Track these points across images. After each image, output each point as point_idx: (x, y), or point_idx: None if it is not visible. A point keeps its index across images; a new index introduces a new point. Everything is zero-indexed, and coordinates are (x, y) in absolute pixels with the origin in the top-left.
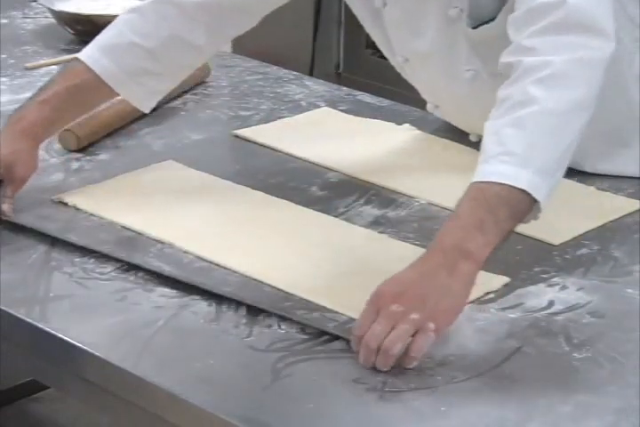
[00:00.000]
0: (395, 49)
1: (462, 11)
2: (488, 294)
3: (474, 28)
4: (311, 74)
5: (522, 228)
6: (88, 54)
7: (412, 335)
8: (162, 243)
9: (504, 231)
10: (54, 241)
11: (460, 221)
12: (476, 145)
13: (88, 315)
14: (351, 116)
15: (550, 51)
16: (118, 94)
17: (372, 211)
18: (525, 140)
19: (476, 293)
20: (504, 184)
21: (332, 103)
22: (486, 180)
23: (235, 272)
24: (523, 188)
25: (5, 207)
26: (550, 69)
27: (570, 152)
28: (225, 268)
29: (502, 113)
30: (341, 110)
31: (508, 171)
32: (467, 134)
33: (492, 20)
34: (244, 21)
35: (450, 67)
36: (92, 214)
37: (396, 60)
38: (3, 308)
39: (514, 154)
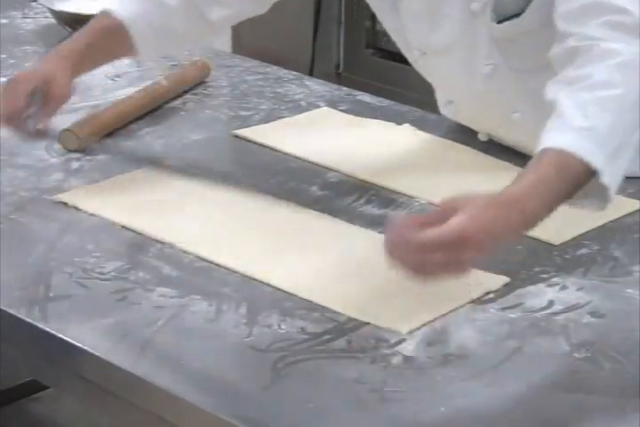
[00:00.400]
0: (411, 42)
1: (486, 5)
2: (488, 293)
3: (498, 22)
4: (311, 74)
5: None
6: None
7: None
8: (162, 243)
9: (560, 204)
10: (54, 241)
11: (548, 190)
12: (480, 145)
13: (88, 315)
14: (351, 116)
15: (619, 40)
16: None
17: (372, 211)
18: (609, 121)
19: (475, 293)
20: (583, 160)
21: (332, 103)
22: (572, 151)
23: (235, 272)
24: (598, 168)
25: (41, 126)
26: (624, 57)
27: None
28: (225, 268)
29: (583, 89)
30: (341, 110)
31: (590, 148)
32: (467, 134)
33: (517, 15)
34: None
35: (468, 61)
36: (92, 214)
37: (411, 54)
38: (3, 308)
39: (598, 134)
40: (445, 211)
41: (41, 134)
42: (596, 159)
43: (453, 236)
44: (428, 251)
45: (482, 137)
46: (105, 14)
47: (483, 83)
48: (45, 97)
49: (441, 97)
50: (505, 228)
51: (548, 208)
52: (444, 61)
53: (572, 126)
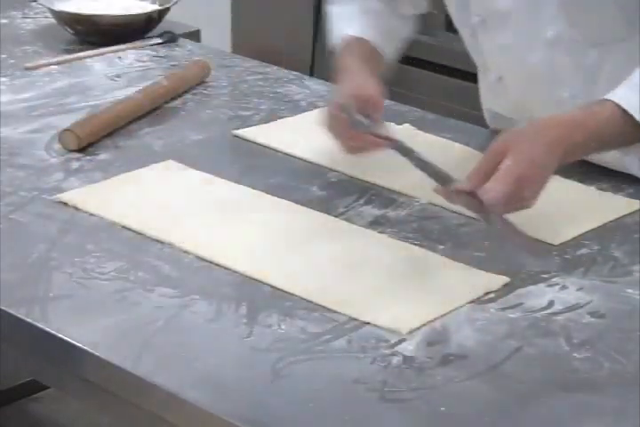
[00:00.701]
0: (472, 8)
1: None
2: (488, 293)
3: None
4: (311, 74)
5: (522, 228)
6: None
7: None
8: (162, 243)
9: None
10: (54, 241)
11: (594, 129)
12: (481, 145)
13: (88, 315)
14: None
15: None
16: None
17: (372, 211)
18: None
19: (475, 293)
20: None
21: None
22: (630, 109)
23: (235, 272)
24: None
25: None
26: None
27: None
28: (225, 268)
29: None
30: None
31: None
32: (467, 134)
33: None
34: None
35: (530, 27)
36: (92, 214)
37: (468, 24)
38: (3, 308)
39: None
40: (496, 154)
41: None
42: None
43: (513, 184)
44: (507, 206)
45: (509, 119)
46: (345, 39)
47: (540, 53)
48: (368, 103)
49: (490, 75)
50: (553, 156)
51: (593, 144)
52: (503, 28)
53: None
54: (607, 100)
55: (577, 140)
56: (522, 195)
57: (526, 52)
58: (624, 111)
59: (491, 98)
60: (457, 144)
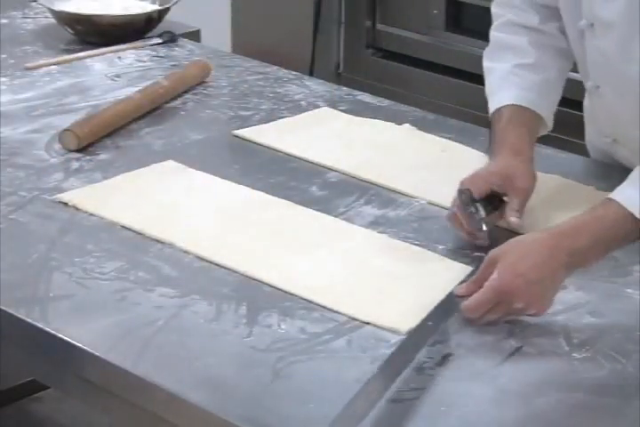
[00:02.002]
0: (583, 10)
1: None
2: None
3: None
4: (311, 74)
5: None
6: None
7: None
8: (162, 243)
9: (615, 248)
10: (54, 241)
11: (599, 231)
12: (481, 145)
13: (88, 315)
14: (351, 116)
15: None
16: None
17: (371, 211)
18: None
19: None
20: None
21: (332, 103)
22: (635, 212)
23: (235, 272)
24: None
25: (513, 220)
26: None
27: None
28: (225, 268)
29: None
30: (341, 110)
31: None
32: (467, 135)
33: None
34: None
35: (631, 39)
36: (92, 214)
37: (577, 26)
38: (3, 308)
39: None
40: (489, 264)
41: (514, 226)
42: None
43: (490, 294)
44: (480, 314)
45: (607, 140)
46: (506, 107)
47: (638, 66)
48: (512, 191)
49: (588, 82)
50: (549, 266)
51: (599, 248)
52: (606, 36)
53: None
54: (612, 200)
55: (581, 245)
56: (509, 306)
57: (625, 63)
58: (629, 213)
59: (589, 109)
60: (457, 144)
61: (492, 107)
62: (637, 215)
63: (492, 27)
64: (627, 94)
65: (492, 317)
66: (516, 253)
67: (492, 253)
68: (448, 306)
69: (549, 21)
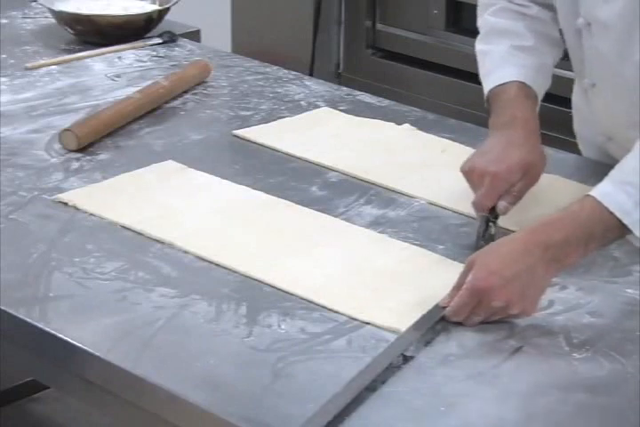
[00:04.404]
0: (581, 10)
1: None
2: None
3: None
4: (311, 74)
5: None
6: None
7: None
8: (162, 243)
9: (596, 250)
10: (54, 241)
11: (574, 226)
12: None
13: (88, 315)
14: (351, 116)
15: None
16: None
17: (371, 211)
18: None
19: None
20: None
21: (332, 103)
22: (609, 206)
23: (235, 272)
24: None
25: (503, 205)
26: None
27: None
28: (225, 268)
29: None
30: (341, 110)
31: (627, 205)
32: (467, 135)
33: None
34: None
35: (630, 39)
36: (92, 214)
37: (573, 25)
38: (3, 308)
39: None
40: (467, 269)
41: (501, 212)
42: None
43: (467, 295)
44: (463, 316)
45: (601, 138)
46: (510, 84)
47: (635, 68)
48: (525, 178)
49: (584, 81)
50: (523, 262)
51: (578, 243)
52: (604, 35)
53: (617, 179)
54: (589, 196)
55: (556, 240)
56: (488, 306)
57: (622, 62)
58: (605, 208)
59: (582, 106)
60: (457, 144)
61: (491, 83)
62: (612, 210)
63: (487, 13)
64: (623, 93)
65: (476, 318)
66: (489, 253)
67: (470, 257)
68: (433, 314)
69: (544, 10)
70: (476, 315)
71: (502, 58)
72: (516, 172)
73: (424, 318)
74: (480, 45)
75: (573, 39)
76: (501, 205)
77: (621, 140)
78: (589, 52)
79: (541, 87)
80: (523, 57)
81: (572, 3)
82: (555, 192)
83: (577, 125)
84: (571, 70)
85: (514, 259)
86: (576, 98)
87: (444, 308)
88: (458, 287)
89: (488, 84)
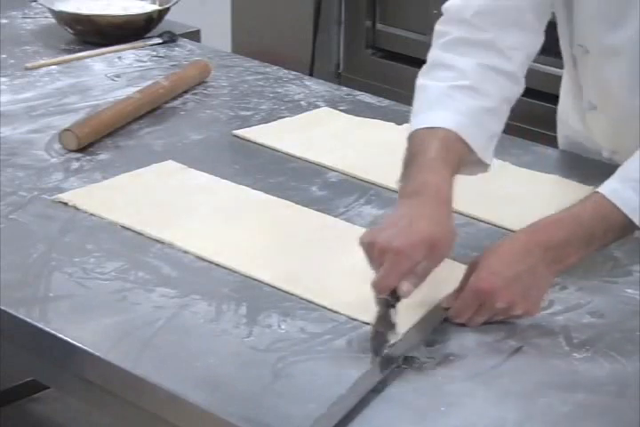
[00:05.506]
0: (576, 37)
1: None
2: None
3: None
4: (311, 74)
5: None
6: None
7: None
8: (162, 243)
9: (597, 250)
10: (54, 241)
11: (575, 226)
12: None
13: (88, 315)
14: (351, 116)
15: None
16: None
17: (371, 211)
18: None
19: None
20: (627, 216)
21: (332, 103)
22: (616, 203)
23: (235, 272)
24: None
25: (405, 287)
26: None
27: None
28: (225, 268)
29: None
30: (341, 110)
31: (633, 201)
32: None
33: None
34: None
35: (634, 66)
36: (92, 214)
37: (570, 50)
38: (3, 308)
39: None
40: (469, 272)
41: (403, 295)
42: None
43: (470, 297)
44: (465, 318)
45: (605, 153)
46: (436, 130)
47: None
48: (429, 257)
49: (583, 101)
50: (525, 262)
51: (579, 243)
52: (608, 62)
53: (628, 178)
54: (595, 193)
55: (557, 239)
56: (492, 306)
57: (628, 89)
58: (611, 206)
59: (576, 119)
60: None
61: (418, 123)
62: (619, 205)
63: (434, 45)
64: (626, 118)
65: (479, 319)
66: (491, 255)
67: (472, 260)
68: (434, 315)
69: (507, 39)
70: (479, 316)
71: (437, 98)
72: (421, 248)
73: (425, 319)
74: (420, 79)
75: (569, 63)
76: (404, 286)
77: (627, 154)
78: (589, 78)
79: (482, 133)
80: (460, 99)
81: (569, 29)
82: (555, 192)
83: (560, 134)
84: (560, 68)
85: (515, 259)
86: (563, 108)
87: (446, 309)
88: (460, 290)
89: (415, 123)
